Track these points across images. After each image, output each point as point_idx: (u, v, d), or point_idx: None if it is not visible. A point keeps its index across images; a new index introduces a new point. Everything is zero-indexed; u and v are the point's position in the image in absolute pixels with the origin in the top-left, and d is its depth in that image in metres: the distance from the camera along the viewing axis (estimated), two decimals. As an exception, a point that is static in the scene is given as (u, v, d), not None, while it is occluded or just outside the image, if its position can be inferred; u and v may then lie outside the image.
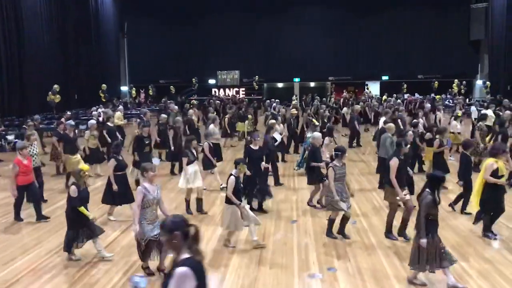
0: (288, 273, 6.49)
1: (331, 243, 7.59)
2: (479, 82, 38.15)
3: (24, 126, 13.53)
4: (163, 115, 15.43)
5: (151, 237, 6.18)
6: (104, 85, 30.10)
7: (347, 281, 6.23)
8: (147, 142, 11.29)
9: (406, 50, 38.26)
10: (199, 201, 9.37)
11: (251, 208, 8.71)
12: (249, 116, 18.58)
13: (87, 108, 28.16)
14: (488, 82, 32.44)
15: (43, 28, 26.73)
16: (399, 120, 14.14)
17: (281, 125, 14.78)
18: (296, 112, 17.17)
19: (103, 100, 29.73)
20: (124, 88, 40.21)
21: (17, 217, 9.09)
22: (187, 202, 9.37)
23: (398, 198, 7.45)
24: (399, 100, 25.99)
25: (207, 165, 10.71)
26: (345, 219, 7.74)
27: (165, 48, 39.27)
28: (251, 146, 9.67)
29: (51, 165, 13.32)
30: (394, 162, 7.49)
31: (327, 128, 13.22)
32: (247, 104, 23.41)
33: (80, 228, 6.93)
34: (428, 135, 11.45)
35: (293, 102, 26.72)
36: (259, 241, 7.46)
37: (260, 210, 9.25)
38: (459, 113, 15.97)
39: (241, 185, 7.54)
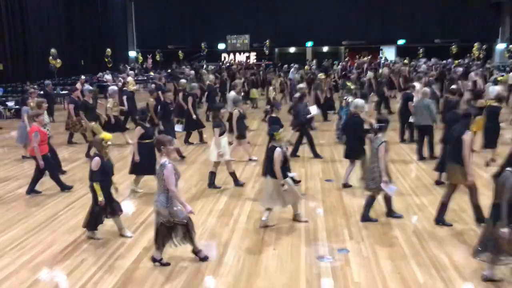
0: (294, 256, 5.81)
1: (342, 220, 6.89)
2: (499, 46, 36.55)
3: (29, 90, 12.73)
4: (183, 81, 14.65)
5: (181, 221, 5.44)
6: (109, 50, 29.26)
7: (360, 264, 5.55)
8: (172, 109, 10.51)
9: (423, 13, 36.62)
10: (232, 175, 8.60)
11: None
12: (273, 81, 17.43)
13: (93, 74, 27.50)
14: (511, 46, 30.92)
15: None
16: (433, 86, 13.07)
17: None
18: (325, 77, 16.32)
19: (109, 66, 28.99)
20: (132, 54, 39.28)
21: (33, 190, 8.48)
22: (214, 175, 8.62)
23: (470, 179, 6.35)
24: (424, 65, 24.70)
25: (239, 135, 9.96)
26: (389, 200, 6.92)
27: (173, 12, 38.12)
28: (273, 114, 8.94)
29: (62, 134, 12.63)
30: (468, 136, 6.31)
31: (361, 94, 12.29)
32: (264, 70, 22.36)
33: (107, 203, 6.20)
34: (481, 102, 10.49)
35: (313, 67, 25.80)
36: (268, 221, 6.73)
37: None
38: (499, 77, 14.92)
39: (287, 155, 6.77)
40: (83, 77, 19.99)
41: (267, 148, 6.97)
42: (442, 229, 6.49)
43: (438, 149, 10.57)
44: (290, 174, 6.77)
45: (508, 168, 4.81)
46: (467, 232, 6.39)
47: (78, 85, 15.05)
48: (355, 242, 6.15)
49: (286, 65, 20.85)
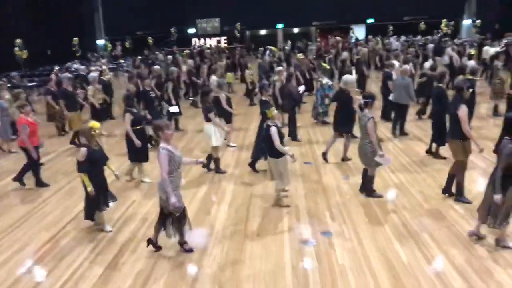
0: (278, 242, 5.79)
1: (323, 203, 6.89)
2: (466, 22, 37.08)
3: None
4: (157, 67, 14.39)
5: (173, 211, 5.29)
6: (76, 39, 28.48)
7: (343, 246, 5.57)
8: (153, 95, 10.31)
9: (392, -10, 36.79)
10: (217, 161, 8.57)
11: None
12: (249, 65, 17.28)
13: (61, 64, 26.73)
14: (478, 21, 31.40)
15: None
16: (410, 64, 13.07)
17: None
18: (303, 57, 16.26)
19: (77, 55, 28.26)
20: (100, 42, 38.33)
21: (21, 180, 8.34)
22: (218, 160, 8.57)
23: (478, 150, 6.35)
24: (397, 43, 24.75)
25: (230, 118, 9.87)
26: (371, 179, 6.98)
27: (141, -3, 37.28)
28: (263, 98, 8.86)
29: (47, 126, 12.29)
30: (463, 111, 6.25)
31: (346, 72, 12.06)
32: (240, 53, 22.02)
33: (99, 193, 6.03)
34: (460, 77, 10.59)
35: (286, 48, 25.70)
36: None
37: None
38: (473, 51, 15.10)
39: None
40: (56, 67, 19.44)
41: (260, 129, 7.02)
42: (421, 207, 6.57)
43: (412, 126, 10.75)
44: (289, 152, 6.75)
45: (506, 137, 5.00)
46: (446, 208, 6.48)
47: (53, 76, 14.61)
48: (337, 224, 6.17)
49: (262, 48, 20.61)
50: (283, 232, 6.04)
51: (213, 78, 12.40)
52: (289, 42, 30.31)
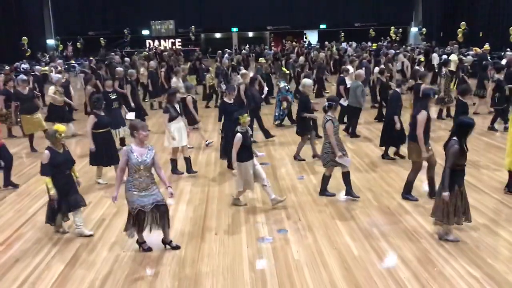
0: (236, 239, 5.96)
1: (279, 204, 7.12)
2: (413, 29, 38.68)
3: None
4: (120, 69, 14.13)
5: (140, 207, 5.33)
6: (25, 38, 27.62)
7: (298, 242, 5.81)
8: (113, 97, 10.07)
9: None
10: (187, 160, 8.57)
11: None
12: (210, 69, 17.25)
13: (9, 63, 25.82)
14: (424, 29, 32.85)
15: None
16: (363, 69, 13.46)
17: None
18: (265, 62, 16.54)
19: (26, 54, 27.41)
20: (51, 41, 37.25)
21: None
22: (175, 162, 8.61)
23: (424, 156, 6.68)
24: (349, 48, 25.38)
25: (192, 121, 9.99)
26: (347, 175, 7.12)
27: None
28: (225, 99, 9.04)
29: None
30: (422, 116, 6.56)
31: (305, 76, 12.09)
32: (197, 56, 21.79)
33: (62, 197, 5.93)
34: (411, 82, 11.12)
35: (244, 51, 26.05)
36: (277, 197, 6.90)
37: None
38: (422, 58, 15.79)
39: (251, 139, 6.95)
40: (7, 67, 18.78)
41: (227, 130, 7.79)
42: (371, 204, 6.91)
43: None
44: (259, 154, 7.03)
45: (453, 138, 5.35)
46: (394, 205, 6.86)
47: (2, 76, 14.17)
48: (292, 222, 6.41)
49: (220, 51, 20.66)
50: (240, 230, 6.21)
51: (174, 80, 12.37)
52: (247, 46, 30.52)
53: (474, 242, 5.60)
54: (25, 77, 11.22)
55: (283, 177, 8.30)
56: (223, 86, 12.94)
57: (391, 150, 9.22)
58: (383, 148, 9.27)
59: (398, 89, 9.08)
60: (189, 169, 8.59)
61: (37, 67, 18.76)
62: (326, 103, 7.08)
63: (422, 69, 13.46)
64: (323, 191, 7.30)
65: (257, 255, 5.52)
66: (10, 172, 8.17)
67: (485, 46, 18.59)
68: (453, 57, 15.09)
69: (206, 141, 10.47)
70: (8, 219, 6.84)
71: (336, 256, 5.42)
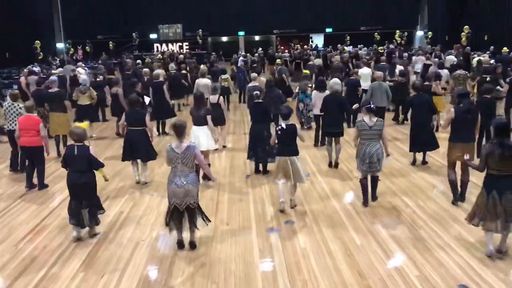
0: (246, 229, 6.38)
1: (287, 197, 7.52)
2: (419, 33, 38.96)
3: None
4: (146, 69, 14.41)
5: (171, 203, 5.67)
6: (37, 42, 28.21)
7: (305, 233, 6.22)
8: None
9: (349, 1, 38.19)
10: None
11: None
12: (227, 70, 17.40)
13: (21, 66, 26.42)
14: (429, 32, 33.15)
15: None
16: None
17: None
18: (281, 63, 16.79)
19: (39, 58, 27.99)
20: (60, 45, 37.89)
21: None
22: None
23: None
24: (361, 51, 25.17)
25: (221, 121, 10.23)
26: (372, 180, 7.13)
27: (102, 1, 37.17)
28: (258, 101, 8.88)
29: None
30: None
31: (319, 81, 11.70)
32: (215, 59, 21.66)
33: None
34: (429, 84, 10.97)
35: (260, 53, 26.41)
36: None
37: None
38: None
39: None
40: (25, 69, 19.20)
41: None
42: (376, 202, 7.25)
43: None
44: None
45: (493, 141, 5.26)
46: (397, 201, 7.25)
47: (22, 79, 14.64)
48: (299, 214, 6.82)
49: (235, 55, 21.01)
50: (250, 222, 6.63)
51: (204, 80, 12.57)
52: (260, 49, 30.68)
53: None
54: (55, 78, 11.46)
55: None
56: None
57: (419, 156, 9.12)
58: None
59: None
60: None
61: (66, 67, 18.88)
62: (373, 106, 6.93)
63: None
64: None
65: (267, 244, 5.93)
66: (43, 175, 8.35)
67: (504, 49, 18.63)
68: (475, 60, 15.24)
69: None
70: (32, 212, 7.27)
71: (339, 245, 5.82)
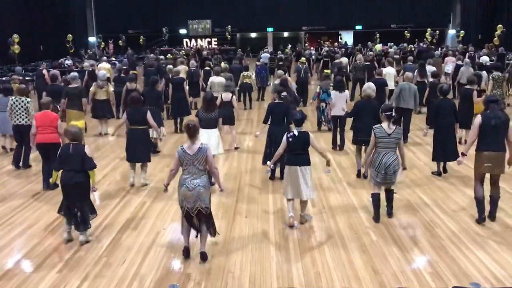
0: (264, 222, 6.53)
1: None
2: (451, 32, 38.28)
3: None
4: (170, 66, 14.45)
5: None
6: (70, 35, 28.99)
7: (321, 227, 6.32)
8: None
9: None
10: None
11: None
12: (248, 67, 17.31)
13: (54, 59, 27.24)
14: (462, 31, 32.54)
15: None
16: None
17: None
18: (305, 62, 16.59)
19: (70, 51, 28.76)
20: (92, 39, 38.81)
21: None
22: None
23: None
24: (391, 50, 24.41)
25: (231, 121, 10.25)
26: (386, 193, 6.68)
27: (133, -4, 37.94)
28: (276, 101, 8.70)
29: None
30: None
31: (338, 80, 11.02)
32: (242, 55, 21.15)
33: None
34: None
35: (287, 50, 26.29)
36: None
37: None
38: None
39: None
40: (44, 63, 19.79)
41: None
42: (398, 202, 7.23)
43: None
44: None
45: None
46: (415, 200, 7.27)
47: (45, 72, 14.89)
48: (317, 210, 6.92)
49: (261, 51, 20.94)
50: (268, 215, 6.77)
51: (220, 78, 12.53)
52: (289, 46, 30.52)
53: None
54: (76, 74, 11.43)
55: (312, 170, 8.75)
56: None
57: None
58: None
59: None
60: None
61: (86, 63, 19.05)
62: (395, 114, 6.68)
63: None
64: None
65: (283, 237, 6.06)
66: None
67: None
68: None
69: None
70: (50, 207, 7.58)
71: (355, 240, 5.91)
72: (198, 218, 5.43)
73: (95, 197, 7.42)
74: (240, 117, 10.95)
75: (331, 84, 11.29)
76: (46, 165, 8.01)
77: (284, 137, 6.38)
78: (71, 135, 6.13)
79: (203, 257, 5.46)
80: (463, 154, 6.48)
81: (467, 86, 10.23)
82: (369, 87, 8.39)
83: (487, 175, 6.35)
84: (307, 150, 6.38)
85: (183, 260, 5.50)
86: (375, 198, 6.47)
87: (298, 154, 6.31)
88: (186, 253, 5.55)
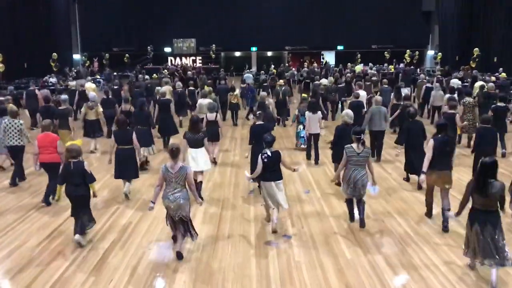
0: (245, 242, 6.85)
1: (286, 212, 7.95)
2: (430, 53, 39.36)
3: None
4: (159, 88, 15.09)
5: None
6: (54, 54, 29.11)
7: (300, 246, 6.67)
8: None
9: (361, 20, 38.73)
10: (199, 185, 8.60)
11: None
12: (236, 89, 17.61)
13: (38, 77, 27.30)
14: (439, 53, 33.48)
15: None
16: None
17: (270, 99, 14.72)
18: (283, 83, 17.05)
19: (55, 69, 28.88)
20: (77, 57, 38.97)
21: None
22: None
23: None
24: (370, 71, 24.68)
25: (217, 137, 10.93)
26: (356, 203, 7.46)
27: (119, 14, 38.35)
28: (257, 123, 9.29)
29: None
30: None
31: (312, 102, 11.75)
32: (224, 76, 21.61)
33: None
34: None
35: (273, 70, 26.76)
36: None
37: None
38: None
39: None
40: (33, 83, 19.81)
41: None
42: (368, 219, 7.68)
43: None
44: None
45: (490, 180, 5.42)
46: (388, 219, 7.68)
47: (38, 92, 15.33)
48: (296, 229, 7.28)
49: (247, 71, 21.38)
50: (250, 235, 7.10)
51: (206, 100, 12.79)
52: (272, 66, 30.87)
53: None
54: (66, 97, 12.12)
55: (290, 190, 9.16)
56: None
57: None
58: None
59: None
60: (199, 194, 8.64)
61: (77, 81, 19.41)
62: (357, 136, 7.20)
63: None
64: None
65: (264, 256, 6.39)
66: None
67: (502, 74, 18.66)
68: (477, 84, 15.53)
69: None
70: (45, 222, 7.81)
71: (331, 258, 6.28)
72: (179, 222, 6.37)
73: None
74: (224, 134, 11.66)
75: None
76: (50, 181, 8.51)
77: (259, 158, 7.10)
78: (74, 152, 6.76)
79: (179, 256, 6.29)
80: (422, 172, 7.28)
81: (450, 111, 10.79)
82: (347, 114, 9.18)
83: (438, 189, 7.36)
84: (279, 166, 7.19)
85: (168, 280, 5.79)
86: (349, 202, 7.51)
87: (273, 171, 7.10)
88: (175, 239, 6.60)
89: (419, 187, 9.06)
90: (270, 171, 7.08)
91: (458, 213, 5.84)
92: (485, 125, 9.14)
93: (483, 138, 8.99)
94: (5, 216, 8.00)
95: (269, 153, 7.06)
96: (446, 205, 7.19)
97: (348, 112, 9.29)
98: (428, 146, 7.25)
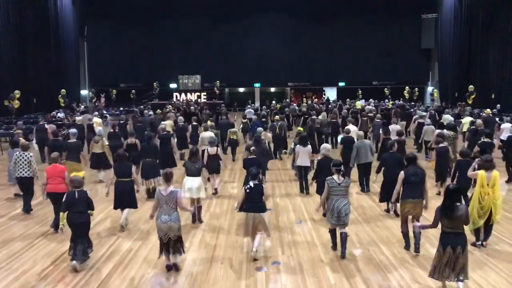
0: (237, 268, 7.32)
1: (277, 241, 8.44)
2: (430, 89, 40.16)
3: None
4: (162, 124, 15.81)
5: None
6: (63, 90, 30.05)
7: (288, 272, 7.13)
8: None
9: (362, 57, 39.86)
10: (198, 209, 9.65)
11: None
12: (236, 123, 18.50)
13: (46, 112, 28.15)
14: (435, 90, 34.22)
15: (0, 30, 26.46)
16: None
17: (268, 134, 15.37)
18: (280, 119, 17.70)
19: (62, 105, 29.76)
20: (84, 92, 40.12)
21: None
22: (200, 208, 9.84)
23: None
24: (368, 106, 25.40)
25: (216, 169, 11.59)
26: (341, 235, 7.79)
27: (126, 51, 39.59)
28: (250, 156, 10.42)
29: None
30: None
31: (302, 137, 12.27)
32: (226, 112, 22.54)
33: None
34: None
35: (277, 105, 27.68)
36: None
37: None
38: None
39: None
40: (42, 118, 20.66)
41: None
42: (354, 246, 8.15)
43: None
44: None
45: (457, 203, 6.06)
46: (374, 248, 8.13)
47: (47, 126, 16.16)
48: (286, 256, 7.75)
49: (248, 106, 22.26)
50: (241, 262, 7.58)
51: (208, 133, 13.59)
52: (274, 102, 31.69)
53: None
54: (75, 130, 12.88)
55: (283, 221, 9.64)
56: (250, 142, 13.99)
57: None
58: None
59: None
60: (199, 218, 9.63)
61: (83, 116, 20.40)
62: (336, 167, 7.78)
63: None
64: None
65: (253, 280, 6.85)
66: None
67: (487, 110, 19.26)
68: (466, 119, 16.34)
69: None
70: (51, 249, 8.31)
71: (316, 283, 6.73)
72: (170, 242, 7.02)
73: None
74: (226, 166, 12.42)
75: None
76: (57, 209, 8.91)
77: (243, 189, 7.74)
78: (77, 183, 7.45)
79: (176, 267, 7.12)
80: (392, 202, 8.05)
81: (442, 145, 11.35)
82: (324, 148, 9.89)
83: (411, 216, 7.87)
84: (262, 198, 7.61)
85: (163, 300, 6.26)
86: (332, 233, 7.92)
87: (254, 202, 7.56)
88: (169, 268, 7.13)
89: (397, 214, 9.46)
90: (251, 202, 7.55)
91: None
92: (464, 158, 9.61)
93: (461, 170, 9.39)
94: (13, 244, 8.52)
95: (251, 185, 7.59)
96: (417, 228, 7.55)
97: (325, 145, 10.03)
98: (398, 178, 7.89)
